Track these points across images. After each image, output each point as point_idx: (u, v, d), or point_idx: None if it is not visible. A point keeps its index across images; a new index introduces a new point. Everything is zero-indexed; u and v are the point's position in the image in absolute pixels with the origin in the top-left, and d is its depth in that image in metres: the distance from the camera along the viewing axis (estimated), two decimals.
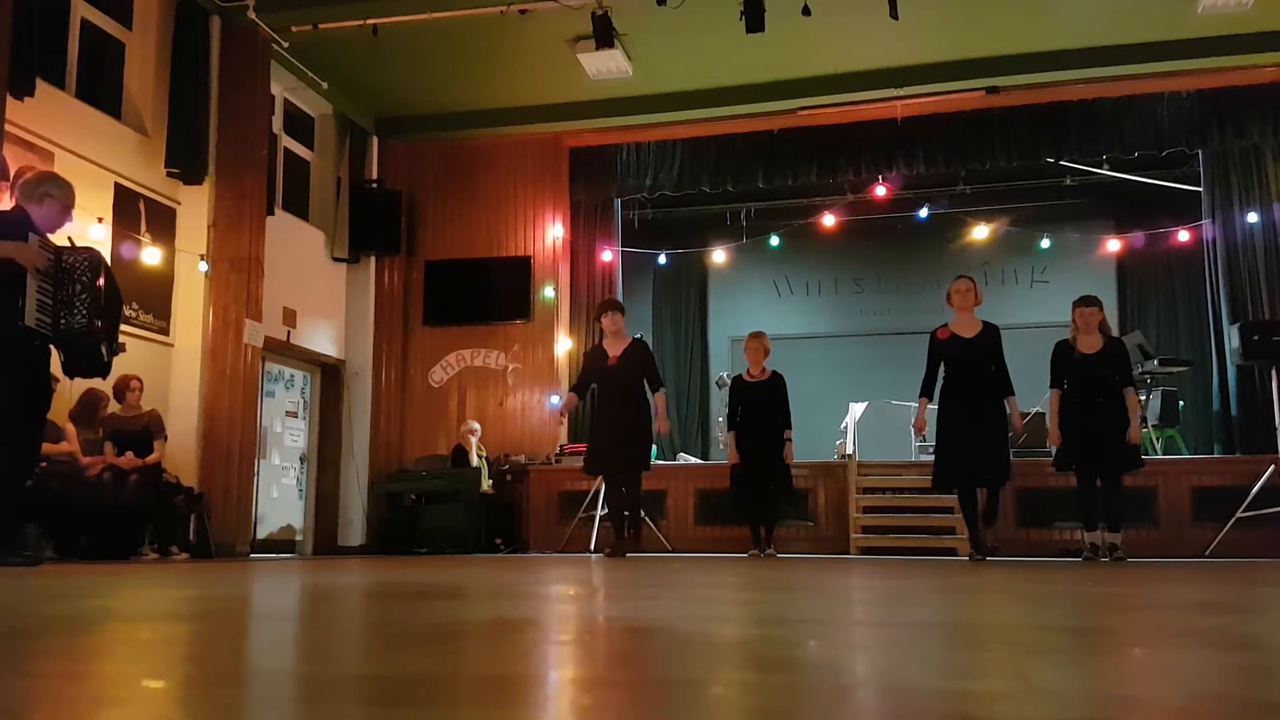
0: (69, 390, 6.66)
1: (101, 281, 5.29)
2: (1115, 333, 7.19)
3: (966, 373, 6.80)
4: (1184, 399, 10.28)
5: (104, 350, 5.35)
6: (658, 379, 7.58)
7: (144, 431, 7.31)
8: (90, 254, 5.36)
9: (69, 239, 5.43)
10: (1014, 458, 7.24)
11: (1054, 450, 7.16)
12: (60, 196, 5.33)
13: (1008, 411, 6.84)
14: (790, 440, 7.78)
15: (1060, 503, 8.46)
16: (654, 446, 8.07)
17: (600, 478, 8.03)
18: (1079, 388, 6.85)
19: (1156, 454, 9.32)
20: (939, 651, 1.70)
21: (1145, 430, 8.91)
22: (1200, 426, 11.20)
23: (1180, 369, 10.22)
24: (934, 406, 7.04)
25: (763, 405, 7.85)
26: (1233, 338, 9.67)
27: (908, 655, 1.63)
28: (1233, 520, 8.12)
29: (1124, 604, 2.89)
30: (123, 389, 7.30)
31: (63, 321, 5.11)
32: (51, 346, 5.21)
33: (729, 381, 8.66)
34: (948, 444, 6.87)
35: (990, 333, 6.88)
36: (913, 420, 7.17)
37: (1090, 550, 6.81)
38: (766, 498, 7.92)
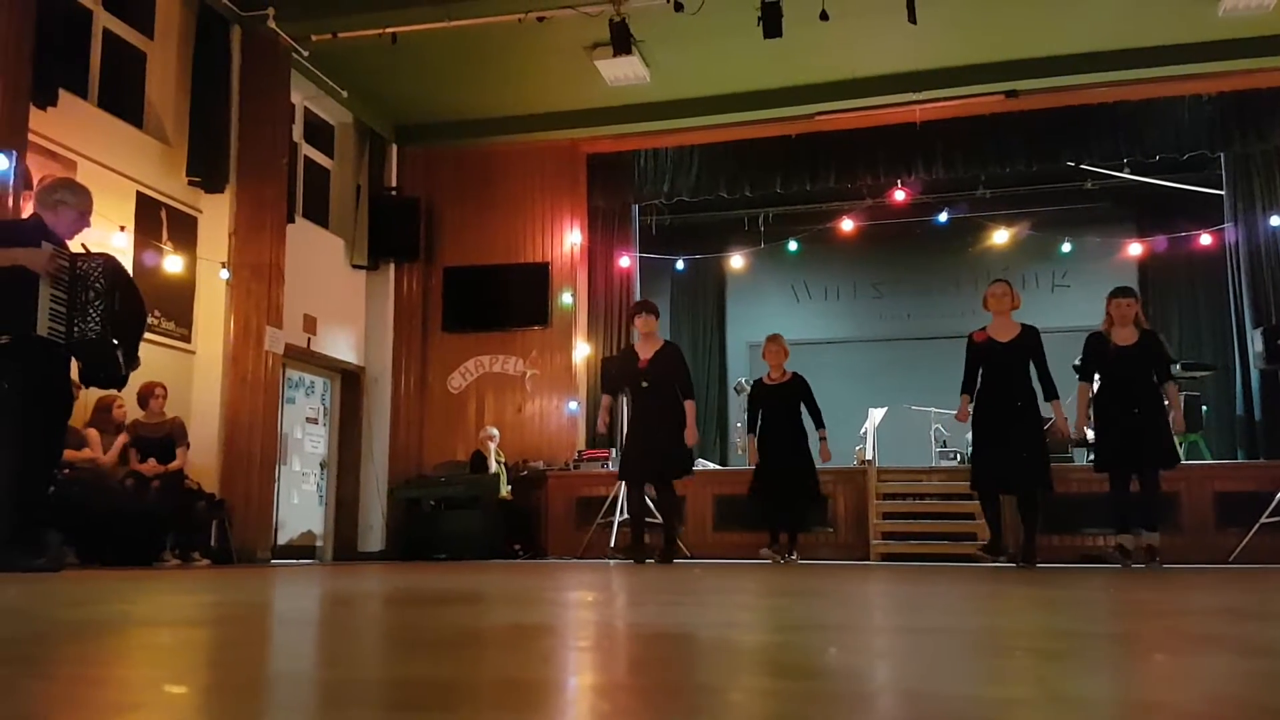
0: (86, 397, 6.70)
1: (116, 289, 5.25)
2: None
3: (1001, 377, 6.67)
4: (1207, 404, 10.20)
5: (120, 358, 5.32)
6: (689, 386, 7.46)
7: (167, 439, 7.36)
8: (105, 260, 5.29)
9: (83, 246, 5.42)
10: None
11: (1073, 445, 6.94)
12: (75, 203, 5.28)
13: (1053, 415, 6.75)
14: (824, 439, 7.70)
15: (1084, 508, 8.41)
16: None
17: (621, 483, 8.00)
18: (1114, 383, 6.61)
19: (1179, 459, 9.24)
20: (959, 658, 1.69)
21: None
22: (1223, 431, 11.10)
23: (1203, 373, 10.14)
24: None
25: (785, 409, 7.75)
26: (1256, 342, 9.59)
27: (928, 662, 1.62)
28: (1256, 526, 8.05)
29: (1146, 610, 2.87)
30: (146, 395, 7.34)
31: (76, 329, 5.06)
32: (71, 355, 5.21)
33: (747, 387, 8.60)
34: (981, 448, 6.78)
35: (1027, 336, 6.72)
36: (955, 413, 7.08)
37: (1120, 552, 6.61)
38: (790, 502, 7.79)
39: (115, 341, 5.22)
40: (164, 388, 7.44)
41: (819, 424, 7.73)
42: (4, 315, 4.95)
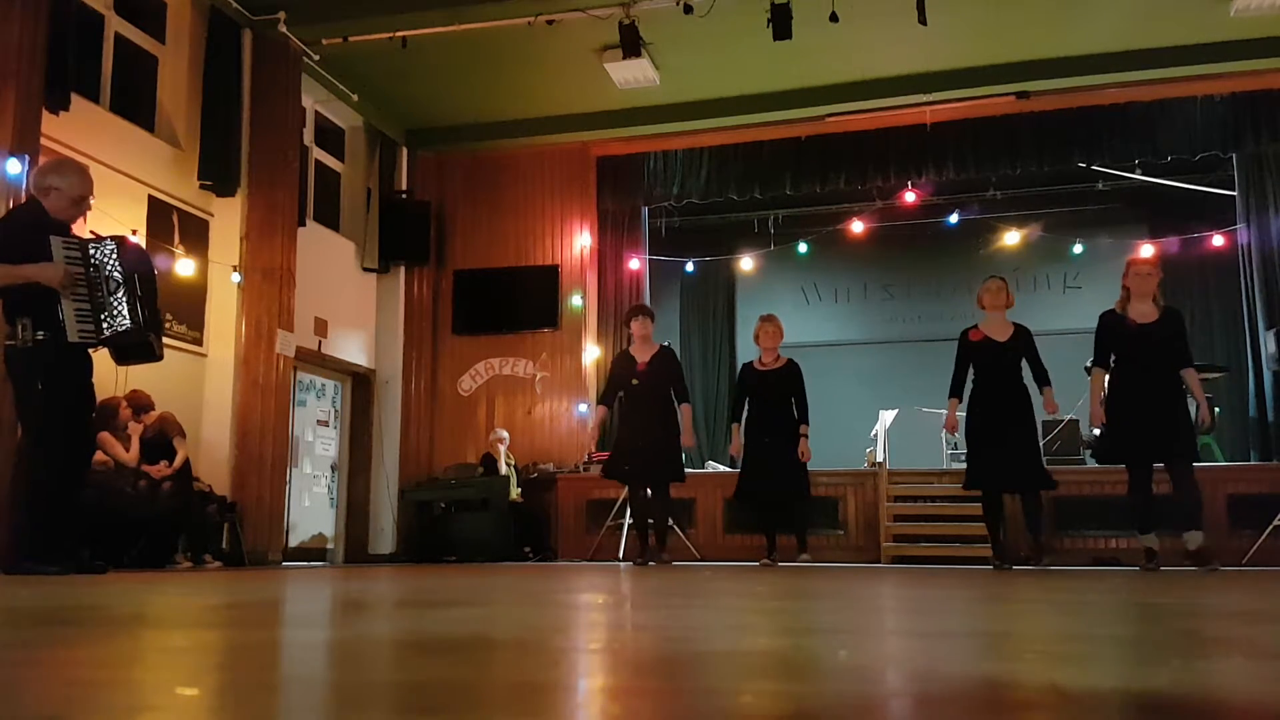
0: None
1: (136, 273, 5.08)
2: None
3: (997, 376, 6.57)
4: (1219, 405, 10.13)
5: (153, 341, 5.26)
6: (684, 390, 7.48)
7: (160, 436, 7.28)
8: (118, 243, 5.12)
9: (92, 232, 5.31)
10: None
11: (1094, 433, 6.68)
12: (65, 187, 4.99)
13: (1044, 400, 6.54)
14: (806, 435, 7.27)
15: (1093, 510, 8.37)
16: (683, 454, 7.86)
17: (626, 485, 8.00)
18: (1133, 365, 6.08)
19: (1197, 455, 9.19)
20: (971, 661, 1.68)
21: None
22: (1236, 433, 11.06)
23: (1215, 375, 10.08)
24: (963, 411, 6.90)
25: (775, 397, 7.36)
26: (1269, 343, 9.55)
27: (939, 665, 1.62)
28: (1270, 528, 8.01)
29: (1159, 612, 2.86)
30: (141, 408, 7.26)
31: (106, 326, 4.98)
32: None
33: None
34: (978, 448, 6.66)
35: (1022, 335, 6.64)
36: (943, 422, 6.99)
37: (1147, 558, 6.20)
38: (780, 502, 7.49)
39: (146, 328, 5.13)
40: (145, 394, 7.31)
41: (803, 418, 7.32)
42: (36, 314, 4.88)
